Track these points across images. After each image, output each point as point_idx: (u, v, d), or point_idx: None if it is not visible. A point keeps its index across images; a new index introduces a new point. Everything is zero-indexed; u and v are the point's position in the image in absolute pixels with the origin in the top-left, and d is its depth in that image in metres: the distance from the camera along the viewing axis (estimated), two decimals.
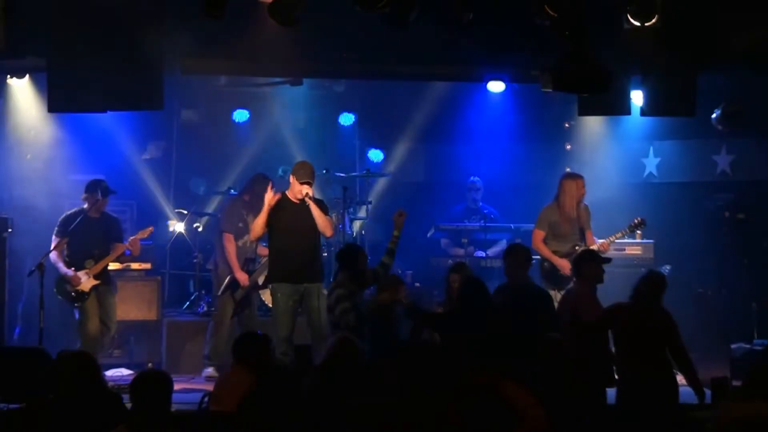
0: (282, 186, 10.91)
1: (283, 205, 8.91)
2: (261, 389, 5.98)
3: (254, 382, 6.44)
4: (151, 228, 9.62)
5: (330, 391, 5.97)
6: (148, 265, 10.42)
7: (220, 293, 9.71)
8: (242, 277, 9.58)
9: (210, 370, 9.48)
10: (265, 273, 9.45)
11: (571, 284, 8.54)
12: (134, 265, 10.28)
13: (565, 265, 9.41)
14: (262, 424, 5.92)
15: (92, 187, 9.37)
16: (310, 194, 8.70)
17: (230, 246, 9.62)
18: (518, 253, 8.18)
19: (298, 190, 8.72)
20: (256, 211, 9.20)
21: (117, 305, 9.61)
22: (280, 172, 11.18)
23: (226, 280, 9.62)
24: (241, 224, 9.70)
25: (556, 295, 9.33)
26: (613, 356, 7.59)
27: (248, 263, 9.65)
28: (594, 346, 7.42)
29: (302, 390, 6.16)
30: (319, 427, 5.72)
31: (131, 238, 9.46)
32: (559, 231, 9.70)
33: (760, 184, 10.89)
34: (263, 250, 9.65)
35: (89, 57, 8.58)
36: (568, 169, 11.15)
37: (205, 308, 10.43)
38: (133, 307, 10.32)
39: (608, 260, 8.21)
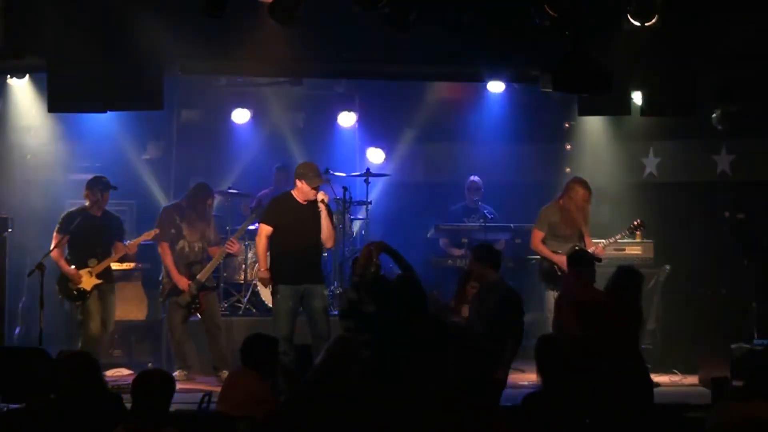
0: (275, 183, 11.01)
1: (287, 205, 8.92)
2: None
3: (261, 384, 6.46)
4: (156, 231, 9.63)
5: (328, 390, 5.97)
6: (147, 265, 10.42)
7: (161, 299, 9.78)
8: (181, 283, 9.53)
9: (176, 372, 9.42)
10: (209, 272, 9.59)
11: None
12: (134, 265, 10.28)
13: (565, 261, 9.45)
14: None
15: (92, 184, 9.38)
16: (326, 200, 8.78)
17: (164, 253, 9.60)
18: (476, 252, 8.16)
19: (312, 195, 8.77)
20: (190, 219, 9.60)
21: (116, 305, 9.63)
22: (278, 164, 11.25)
23: (168, 287, 9.61)
24: (173, 230, 9.64)
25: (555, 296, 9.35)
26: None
27: (190, 267, 9.61)
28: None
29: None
30: (317, 426, 5.73)
31: (131, 242, 9.49)
32: (559, 232, 9.70)
33: (760, 184, 10.87)
34: (214, 251, 9.70)
35: (89, 57, 8.57)
36: (568, 170, 11.16)
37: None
38: (133, 307, 10.32)
39: (598, 260, 8.28)
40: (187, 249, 9.67)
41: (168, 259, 9.57)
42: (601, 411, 6.28)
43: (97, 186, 9.35)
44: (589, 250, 9.47)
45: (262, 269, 8.94)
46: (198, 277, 9.56)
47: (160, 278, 9.91)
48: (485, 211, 11.23)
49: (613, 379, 7.00)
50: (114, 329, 9.94)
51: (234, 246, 9.70)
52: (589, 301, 7.64)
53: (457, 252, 11.12)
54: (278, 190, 10.38)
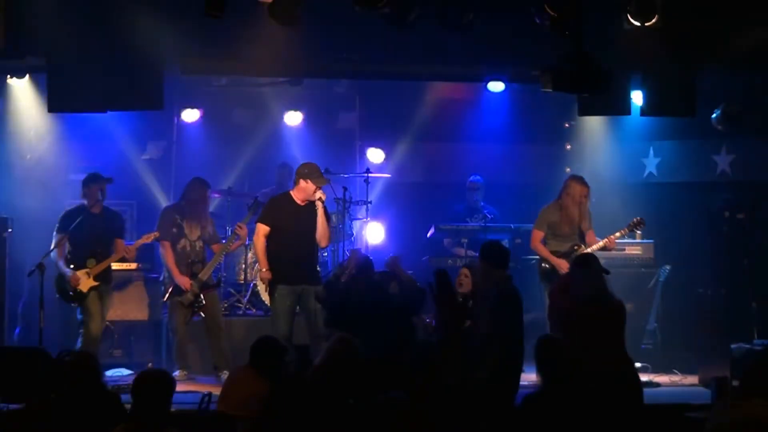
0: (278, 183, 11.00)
1: (285, 205, 8.92)
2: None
3: (263, 386, 6.46)
4: (156, 233, 9.61)
5: (328, 390, 5.97)
6: (147, 265, 10.41)
7: (164, 299, 9.72)
8: (183, 282, 9.47)
9: (177, 373, 9.40)
10: (210, 270, 9.57)
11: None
12: (134, 265, 10.28)
13: (562, 264, 9.42)
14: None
15: (88, 182, 9.36)
16: (323, 199, 8.80)
17: (166, 253, 9.52)
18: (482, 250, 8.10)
19: (312, 195, 8.78)
20: (190, 216, 9.52)
21: (111, 306, 9.61)
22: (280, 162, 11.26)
23: (170, 287, 9.56)
24: (175, 229, 9.57)
25: None
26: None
27: (192, 266, 9.56)
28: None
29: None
30: (317, 426, 5.73)
31: (131, 245, 9.48)
32: (559, 231, 9.69)
33: (760, 184, 10.87)
34: (216, 248, 9.68)
35: (89, 57, 8.58)
36: (568, 170, 11.16)
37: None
38: (133, 307, 10.31)
39: (606, 271, 8.06)
40: (188, 248, 9.62)
41: (170, 259, 9.52)
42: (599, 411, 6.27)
43: (94, 183, 9.33)
44: (600, 243, 9.47)
45: (263, 269, 8.93)
46: (199, 275, 9.55)
47: (162, 279, 9.89)
48: (486, 211, 11.23)
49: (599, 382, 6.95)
50: (113, 329, 9.95)
51: (242, 230, 9.61)
52: (565, 308, 7.61)
53: (461, 252, 11.11)
54: (280, 188, 10.38)
